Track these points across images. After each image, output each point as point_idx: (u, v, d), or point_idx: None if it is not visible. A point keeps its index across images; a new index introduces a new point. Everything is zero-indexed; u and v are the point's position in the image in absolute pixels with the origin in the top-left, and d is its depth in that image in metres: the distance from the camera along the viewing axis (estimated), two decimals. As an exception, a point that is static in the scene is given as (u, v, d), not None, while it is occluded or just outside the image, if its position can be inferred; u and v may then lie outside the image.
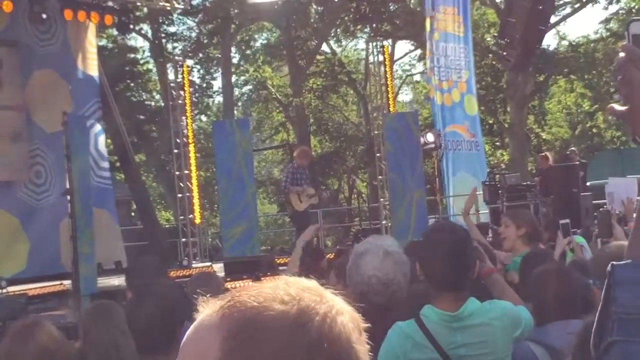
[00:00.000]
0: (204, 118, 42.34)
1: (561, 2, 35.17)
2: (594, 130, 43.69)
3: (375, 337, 3.70)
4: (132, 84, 37.52)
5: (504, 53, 21.48)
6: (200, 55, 39.34)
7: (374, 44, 21.47)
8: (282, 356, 1.21)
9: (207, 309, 1.31)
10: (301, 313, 1.24)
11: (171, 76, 20.22)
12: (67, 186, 13.70)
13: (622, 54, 1.42)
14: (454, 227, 4.08)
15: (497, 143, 42.89)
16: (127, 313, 4.09)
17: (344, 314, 1.29)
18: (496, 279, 4.32)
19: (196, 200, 19.23)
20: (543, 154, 21.73)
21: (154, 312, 3.78)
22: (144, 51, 40.20)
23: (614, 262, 1.38)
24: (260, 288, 1.29)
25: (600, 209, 12.55)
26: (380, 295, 4.12)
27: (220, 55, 38.22)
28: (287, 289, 1.29)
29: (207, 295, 1.35)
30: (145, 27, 37.10)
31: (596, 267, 4.05)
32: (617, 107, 1.46)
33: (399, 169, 17.69)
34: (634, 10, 35.44)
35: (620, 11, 37.36)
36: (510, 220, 6.92)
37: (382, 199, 19.78)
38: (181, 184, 19.17)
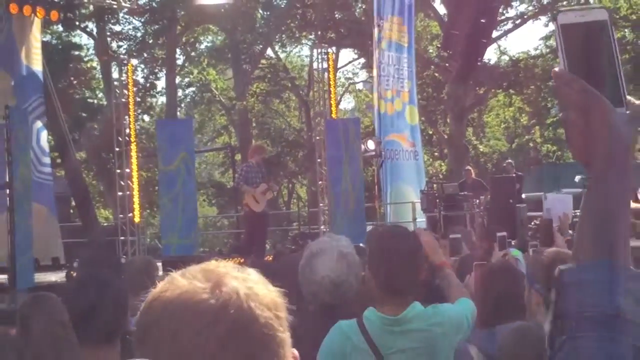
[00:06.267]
0: (146, 118, 42.16)
1: (503, 17, 35.65)
2: (531, 144, 44.31)
3: (324, 336, 3.79)
4: (75, 81, 37.21)
5: (446, 65, 21.79)
6: (145, 55, 39.16)
7: (319, 50, 21.55)
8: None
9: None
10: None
11: (115, 74, 20.13)
12: (7, 179, 13.64)
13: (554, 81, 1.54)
14: (405, 233, 4.06)
15: (436, 153, 43.24)
16: (69, 303, 4.02)
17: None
18: (448, 273, 4.29)
19: (136, 199, 19.18)
20: (467, 168, 22.11)
21: (97, 302, 3.73)
22: (88, 49, 39.99)
23: (561, 267, 1.50)
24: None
25: (542, 218, 12.78)
26: (330, 294, 4.11)
27: (165, 56, 38.12)
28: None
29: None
30: (91, 25, 36.89)
31: (536, 271, 4.19)
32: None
33: (339, 175, 17.86)
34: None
35: (560, 29, 37.90)
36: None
37: (321, 204, 19.87)
38: (122, 183, 19.12)
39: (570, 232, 12.06)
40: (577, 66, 1.51)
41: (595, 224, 1.49)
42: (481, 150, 43.33)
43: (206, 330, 1.34)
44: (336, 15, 36.52)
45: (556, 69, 1.53)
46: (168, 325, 1.36)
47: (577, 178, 20.31)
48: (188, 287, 1.39)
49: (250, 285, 1.41)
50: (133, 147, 19.30)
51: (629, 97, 1.53)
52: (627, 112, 1.51)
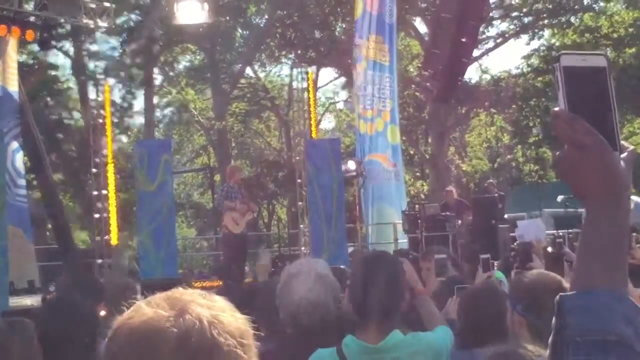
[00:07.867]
0: (124, 139, 41.85)
1: (484, 36, 35.71)
2: (513, 163, 44.37)
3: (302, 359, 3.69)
4: (51, 102, 36.91)
5: (427, 84, 21.70)
6: (122, 74, 38.92)
7: (299, 70, 21.48)
8: None
9: None
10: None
11: (92, 95, 20.00)
12: (-19, 202, 13.38)
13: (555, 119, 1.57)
14: (388, 258, 4.07)
15: (418, 173, 43.22)
16: (40, 328, 3.93)
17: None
18: (425, 299, 4.35)
19: (113, 221, 18.94)
20: (448, 188, 21.97)
21: (67, 327, 3.67)
22: (64, 69, 39.71)
23: (562, 294, 1.52)
24: None
25: (521, 241, 12.63)
26: (309, 317, 4.08)
27: (142, 76, 37.89)
28: None
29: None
30: (67, 45, 36.64)
31: (518, 293, 4.05)
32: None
33: (320, 195, 17.65)
34: (554, 47, 36.15)
35: (541, 47, 38.17)
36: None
37: (301, 226, 19.69)
38: (99, 204, 18.87)
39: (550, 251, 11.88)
40: (576, 108, 1.57)
41: (596, 254, 1.52)
42: (463, 169, 43.34)
43: (168, 358, 1.38)
44: (316, 35, 36.46)
45: (556, 109, 1.58)
46: (132, 354, 1.40)
47: (560, 198, 20.22)
48: (152, 315, 1.43)
49: (214, 312, 1.44)
50: (110, 168, 19.06)
51: (622, 142, 1.58)
52: (622, 156, 1.56)
